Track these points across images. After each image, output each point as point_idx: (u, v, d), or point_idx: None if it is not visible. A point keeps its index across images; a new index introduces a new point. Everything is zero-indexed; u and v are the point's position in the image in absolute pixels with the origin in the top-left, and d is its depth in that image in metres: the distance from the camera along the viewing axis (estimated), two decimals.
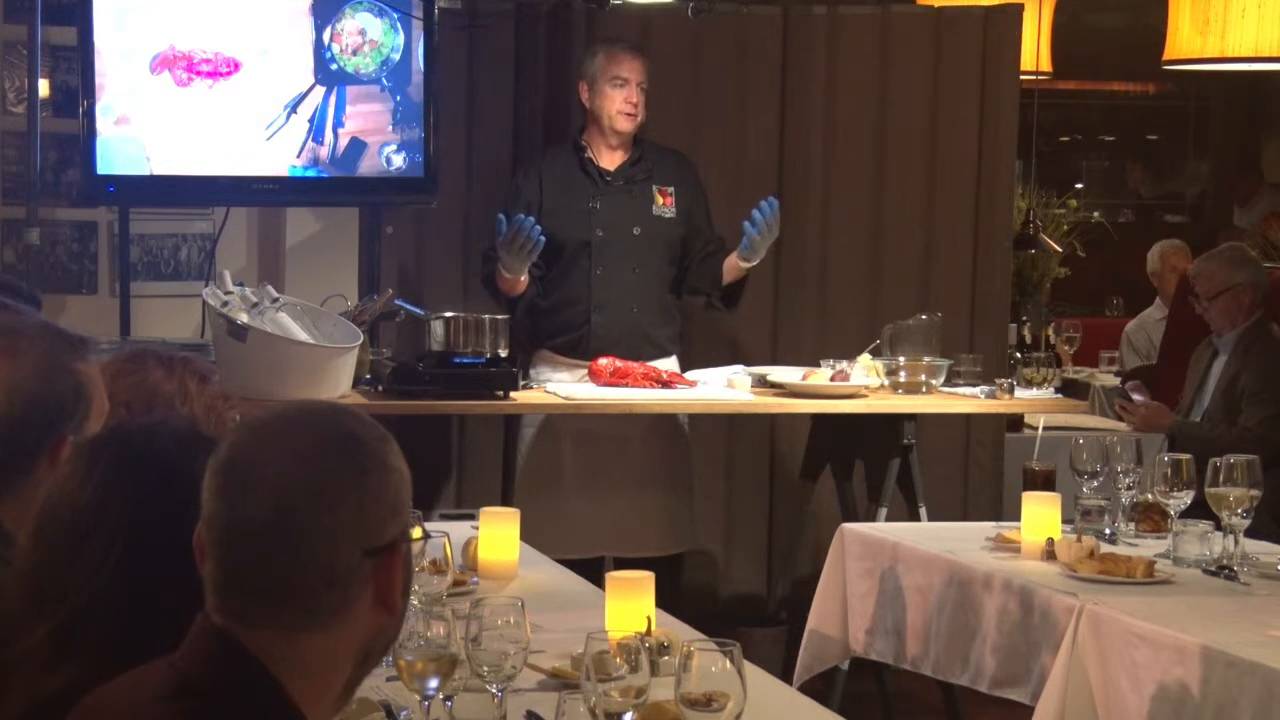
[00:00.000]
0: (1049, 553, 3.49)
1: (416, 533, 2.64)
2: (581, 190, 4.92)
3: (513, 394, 4.45)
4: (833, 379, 4.71)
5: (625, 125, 4.90)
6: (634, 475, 4.91)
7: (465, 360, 4.40)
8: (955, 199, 5.74)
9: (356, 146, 4.97)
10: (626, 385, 4.65)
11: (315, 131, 4.94)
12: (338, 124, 4.96)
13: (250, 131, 4.89)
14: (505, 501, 4.74)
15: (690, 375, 4.81)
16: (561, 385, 4.66)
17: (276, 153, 4.92)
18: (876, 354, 4.83)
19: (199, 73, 4.84)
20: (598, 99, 4.90)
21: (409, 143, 5.00)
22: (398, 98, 5.00)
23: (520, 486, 4.93)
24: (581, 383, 4.74)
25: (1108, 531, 3.66)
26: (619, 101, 4.86)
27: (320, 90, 4.95)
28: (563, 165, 4.96)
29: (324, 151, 4.95)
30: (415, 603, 2.36)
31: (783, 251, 5.70)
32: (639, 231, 4.92)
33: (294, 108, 4.92)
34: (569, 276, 4.83)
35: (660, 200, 4.96)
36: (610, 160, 4.96)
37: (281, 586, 1.55)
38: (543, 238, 4.67)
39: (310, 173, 4.96)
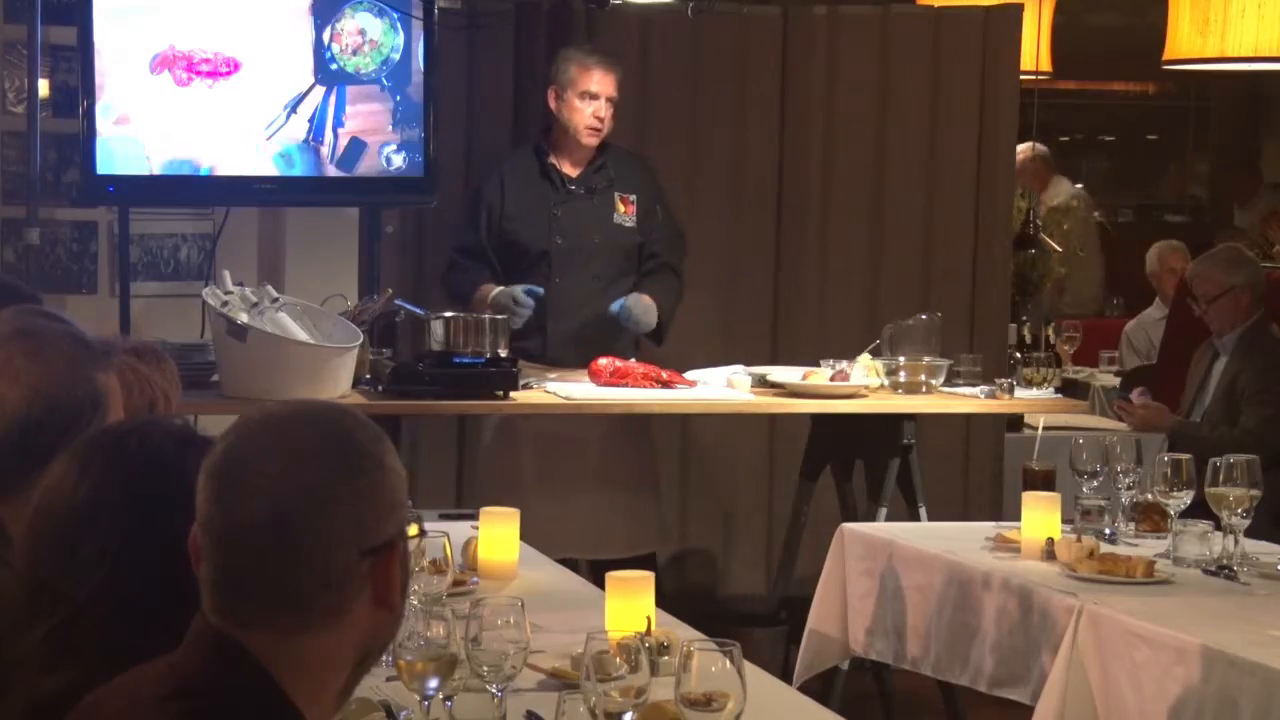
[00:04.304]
0: (1049, 553, 3.49)
1: (413, 530, 2.63)
2: (543, 197, 4.91)
3: (513, 394, 4.44)
4: (833, 379, 4.70)
5: (591, 140, 4.90)
6: (595, 475, 4.88)
7: (465, 360, 4.38)
8: (955, 199, 5.73)
9: (356, 146, 4.97)
10: (626, 385, 4.63)
11: (315, 131, 4.93)
12: (338, 124, 4.95)
13: (250, 131, 4.88)
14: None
15: (690, 375, 4.80)
16: (561, 385, 4.65)
17: (278, 153, 4.92)
18: (876, 354, 4.81)
19: (199, 73, 4.83)
20: (565, 109, 4.89)
21: (409, 143, 5.00)
22: (397, 98, 5.00)
23: (480, 488, 4.89)
24: (580, 382, 4.72)
25: (1108, 531, 3.65)
26: (587, 116, 4.86)
27: (320, 90, 4.94)
28: (524, 170, 4.95)
29: (324, 151, 4.95)
30: (415, 603, 2.37)
31: (783, 252, 5.70)
32: (599, 240, 4.92)
33: (294, 108, 4.92)
34: (528, 282, 4.80)
35: (621, 209, 4.96)
36: (572, 166, 4.95)
37: (279, 588, 1.55)
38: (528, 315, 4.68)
39: (311, 172, 4.95)
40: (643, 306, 4.85)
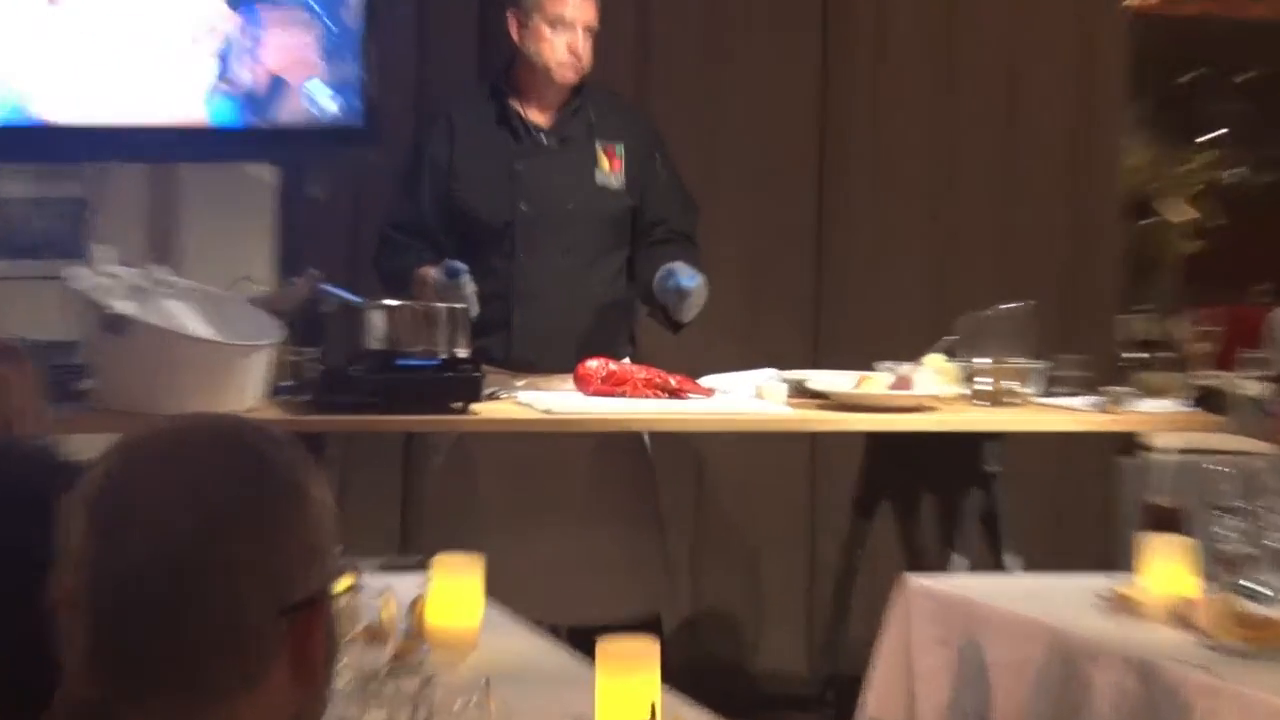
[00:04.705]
0: (1179, 615, 3.48)
1: (345, 582, 2.60)
2: (502, 151, 4.90)
3: (474, 406, 4.41)
4: (892, 387, 4.69)
5: (568, 77, 4.88)
6: (580, 512, 4.86)
7: (413, 363, 4.37)
8: (1047, 156, 5.80)
9: (276, 86, 5.01)
10: (623, 394, 4.61)
11: (222, 67, 4.97)
12: (253, 58, 4.97)
13: (138, 67, 4.90)
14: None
15: (706, 382, 4.79)
16: (538, 395, 4.62)
17: (174, 95, 4.93)
18: (950, 354, 4.82)
19: None
20: (531, 40, 4.87)
21: (343, 82, 5.11)
22: (329, 25, 5.06)
23: (431, 529, 4.89)
24: (562, 391, 4.69)
25: (1256, 588, 3.62)
26: (559, 49, 4.85)
27: (231, 15, 5.02)
28: (479, 117, 4.94)
29: (235, 92, 4.96)
30: (347, 678, 2.38)
31: (825, 227, 5.71)
32: (574, 206, 4.90)
33: (198, 38, 4.94)
34: (485, 263, 4.77)
35: (605, 165, 4.94)
36: (541, 113, 4.94)
37: (172, 654, 1.55)
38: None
39: (217, 119, 4.96)
40: (704, 289, 4.77)
